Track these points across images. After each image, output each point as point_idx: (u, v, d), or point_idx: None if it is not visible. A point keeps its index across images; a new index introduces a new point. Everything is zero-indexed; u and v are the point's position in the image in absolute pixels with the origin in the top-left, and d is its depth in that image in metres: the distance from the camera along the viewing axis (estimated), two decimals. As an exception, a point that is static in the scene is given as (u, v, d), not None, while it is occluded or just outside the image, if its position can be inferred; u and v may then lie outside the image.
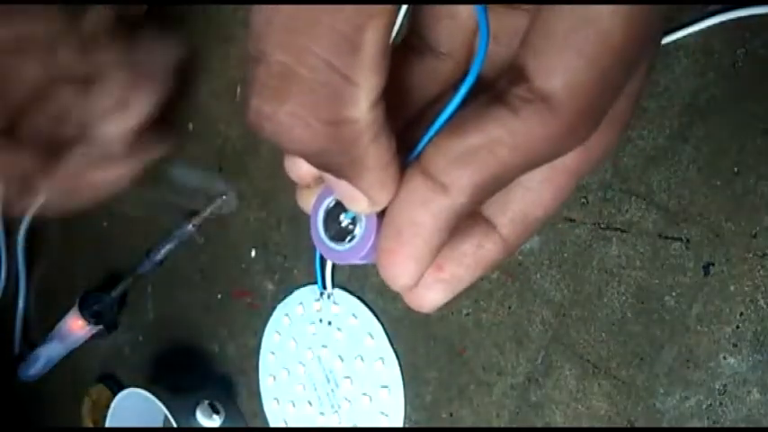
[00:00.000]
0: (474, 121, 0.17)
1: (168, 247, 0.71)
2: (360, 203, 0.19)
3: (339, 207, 0.20)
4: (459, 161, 0.17)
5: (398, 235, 0.18)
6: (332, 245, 0.21)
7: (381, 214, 0.19)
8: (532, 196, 0.20)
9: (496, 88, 0.17)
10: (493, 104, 0.17)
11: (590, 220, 0.47)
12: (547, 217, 0.20)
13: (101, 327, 0.76)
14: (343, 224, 0.21)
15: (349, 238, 0.20)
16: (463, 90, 0.18)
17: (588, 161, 0.19)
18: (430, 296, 0.20)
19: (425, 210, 0.17)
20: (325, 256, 0.21)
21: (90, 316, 0.75)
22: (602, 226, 0.47)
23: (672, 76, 0.44)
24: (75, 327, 0.76)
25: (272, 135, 0.16)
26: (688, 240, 0.43)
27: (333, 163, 0.18)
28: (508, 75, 0.17)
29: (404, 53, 0.20)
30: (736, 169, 0.42)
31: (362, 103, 0.16)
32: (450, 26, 0.20)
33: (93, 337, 0.77)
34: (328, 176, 0.18)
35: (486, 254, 0.20)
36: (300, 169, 0.20)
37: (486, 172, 0.17)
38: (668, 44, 0.44)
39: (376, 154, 0.17)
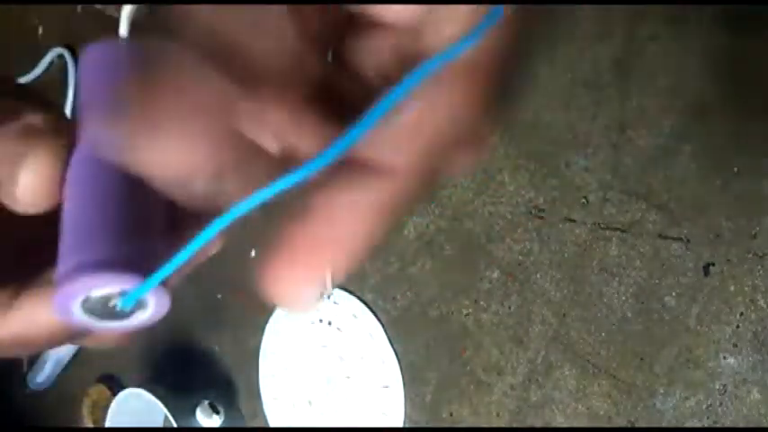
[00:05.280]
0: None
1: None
2: None
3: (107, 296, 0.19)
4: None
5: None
6: (97, 320, 0.19)
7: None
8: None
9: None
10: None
11: (590, 220, 0.47)
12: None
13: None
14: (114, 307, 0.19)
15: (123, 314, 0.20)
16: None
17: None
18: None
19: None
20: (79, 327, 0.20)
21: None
22: (602, 226, 0.47)
23: (672, 76, 0.44)
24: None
25: None
26: (688, 240, 0.43)
27: None
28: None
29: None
30: (736, 169, 0.42)
31: None
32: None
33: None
34: None
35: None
36: None
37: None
38: (668, 43, 0.44)
39: None
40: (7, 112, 0.20)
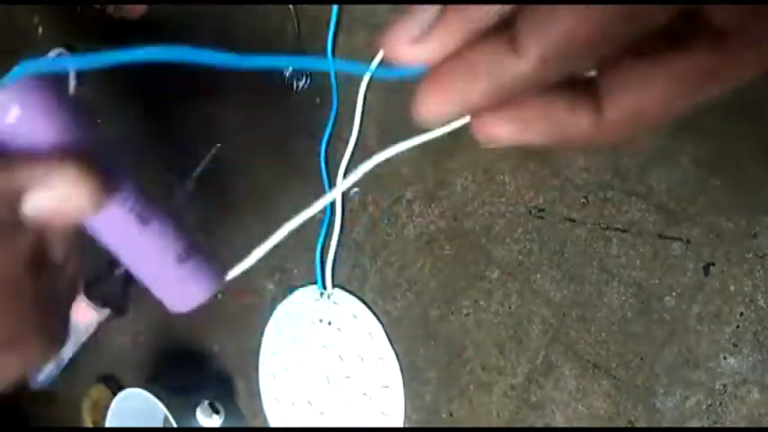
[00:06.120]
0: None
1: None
2: None
3: None
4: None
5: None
6: None
7: None
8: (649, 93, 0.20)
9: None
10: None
11: (590, 220, 0.47)
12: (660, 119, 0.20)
13: (109, 311, 0.72)
14: None
15: None
16: None
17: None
18: (498, 127, 0.20)
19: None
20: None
21: (96, 299, 0.70)
22: (603, 226, 0.47)
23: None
24: (81, 315, 0.71)
25: None
26: (688, 240, 0.43)
27: None
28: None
29: None
30: (736, 169, 0.42)
31: None
32: None
33: (101, 326, 0.74)
34: None
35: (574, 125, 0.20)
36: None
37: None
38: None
39: None
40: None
